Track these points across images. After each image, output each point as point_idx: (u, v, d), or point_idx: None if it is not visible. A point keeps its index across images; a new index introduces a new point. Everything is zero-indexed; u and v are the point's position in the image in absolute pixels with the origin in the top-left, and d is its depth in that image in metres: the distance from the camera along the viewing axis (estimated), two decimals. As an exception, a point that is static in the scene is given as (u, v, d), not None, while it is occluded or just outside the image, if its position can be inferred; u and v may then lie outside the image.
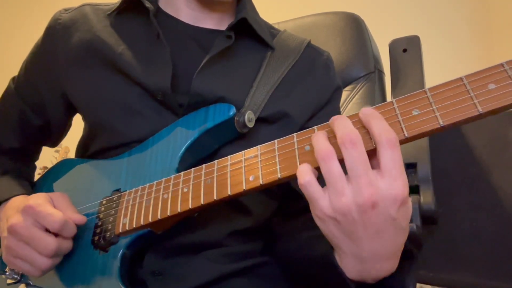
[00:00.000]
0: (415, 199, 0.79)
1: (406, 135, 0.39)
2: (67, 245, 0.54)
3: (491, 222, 0.79)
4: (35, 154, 0.79)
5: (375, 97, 0.92)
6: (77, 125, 0.76)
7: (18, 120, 0.71)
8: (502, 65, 0.38)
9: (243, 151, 0.49)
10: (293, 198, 0.65)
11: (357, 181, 0.36)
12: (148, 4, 0.63)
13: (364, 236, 0.38)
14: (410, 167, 0.83)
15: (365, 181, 0.36)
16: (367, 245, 0.39)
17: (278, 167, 0.45)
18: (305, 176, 0.39)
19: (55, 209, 0.52)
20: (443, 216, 0.80)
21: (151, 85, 0.60)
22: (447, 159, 0.87)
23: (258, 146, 0.48)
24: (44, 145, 0.78)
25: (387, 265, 0.41)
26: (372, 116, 0.39)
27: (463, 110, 0.38)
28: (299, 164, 0.43)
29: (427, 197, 0.78)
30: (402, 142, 0.40)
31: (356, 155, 0.36)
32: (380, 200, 0.36)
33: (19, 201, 0.57)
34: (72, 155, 0.75)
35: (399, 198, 0.36)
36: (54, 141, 0.78)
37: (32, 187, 0.69)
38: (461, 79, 0.39)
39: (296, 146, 0.45)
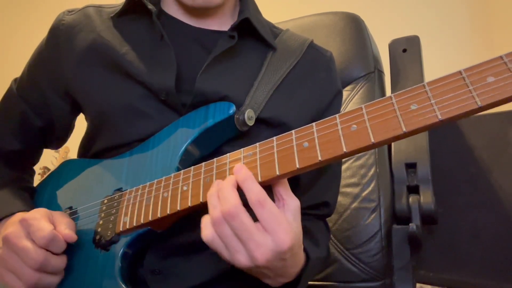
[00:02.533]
0: (415, 199, 0.79)
1: (404, 130, 0.39)
2: (57, 261, 0.53)
3: (491, 222, 0.79)
4: (35, 158, 0.78)
5: (375, 97, 0.92)
6: (78, 125, 0.76)
7: (19, 122, 0.70)
8: (501, 57, 0.37)
9: (242, 149, 0.49)
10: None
11: (247, 245, 0.43)
12: (150, 6, 0.63)
13: (265, 274, 0.47)
14: (410, 167, 0.83)
15: (253, 245, 0.42)
16: (272, 274, 0.47)
17: (276, 164, 0.45)
18: (205, 236, 0.45)
19: (47, 223, 0.53)
20: (443, 216, 0.80)
21: (154, 85, 0.60)
22: (447, 159, 0.87)
23: (257, 143, 0.48)
24: (46, 147, 0.78)
25: (293, 272, 0.50)
26: (243, 180, 0.44)
27: (462, 104, 0.37)
28: (297, 161, 0.43)
29: (427, 197, 0.78)
30: (400, 137, 0.40)
31: (237, 225, 0.43)
32: (271, 256, 0.43)
33: (19, 216, 0.57)
34: (71, 155, 0.75)
35: (284, 249, 0.43)
36: (57, 143, 0.78)
37: (33, 194, 0.70)
38: (459, 72, 0.39)
39: (294, 143, 0.45)
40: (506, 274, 0.76)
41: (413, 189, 0.81)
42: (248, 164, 0.47)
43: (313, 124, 0.45)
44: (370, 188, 0.85)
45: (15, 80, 0.73)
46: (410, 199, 0.79)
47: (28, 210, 0.60)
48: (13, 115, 0.71)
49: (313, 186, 0.68)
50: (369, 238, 0.83)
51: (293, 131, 0.46)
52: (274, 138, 0.47)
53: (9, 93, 0.73)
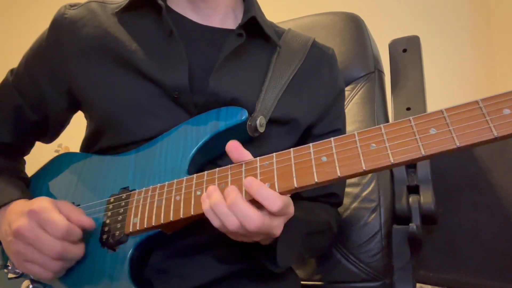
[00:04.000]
0: (415, 199, 0.79)
1: (423, 153, 0.40)
2: (76, 249, 0.53)
3: (491, 222, 0.79)
4: (27, 149, 0.76)
5: (375, 97, 0.93)
6: (77, 123, 0.76)
7: (12, 114, 0.68)
8: None
9: (257, 158, 0.49)
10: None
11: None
12: (160, 1, 0.63)
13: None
14: (410, 167, 0.83)
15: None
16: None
17: (294, 176, 0.45)
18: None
19: (59, 215, 0.52)
20: (443, 216, 0.80)
21: (168, 82, 0.59)
22: (447, 159, 0.87)
23: (274, 154, 0.48)
24: (38, 140, 0.76)
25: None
26: (256, 190, 0.45)
27: (479, 133, 0.38)
28: (316, 175, 0.44)
29: (427, 197, 0.78)
30: (419, 160, 0.40)
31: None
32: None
33: (21, 205, 0.56)
34: (71, 154, 0.74)
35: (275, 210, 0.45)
36: (50, 138, 0.76)
37: (28, 184, 0.68)
38: (476, 102, 0.39)
39: (312, 156, 0.45)
40: (506, 274, 0.76)
41: (413, 189, 0.80)
42: (265, 173, 0.47)
43: (331, 139, 0.45)
44: (370, 188, 0.85)
45: (11, 71, 0.71)
46: (410, 199, 0.79)
47: (26, 198, 0.59)
48: (7, 107, 0.69)
49: None
50: (369, 238, 0.83)
51: (310, 145, 0.46)
52: (291, 150, 0.47)
53: (4, 84, 0.70)
